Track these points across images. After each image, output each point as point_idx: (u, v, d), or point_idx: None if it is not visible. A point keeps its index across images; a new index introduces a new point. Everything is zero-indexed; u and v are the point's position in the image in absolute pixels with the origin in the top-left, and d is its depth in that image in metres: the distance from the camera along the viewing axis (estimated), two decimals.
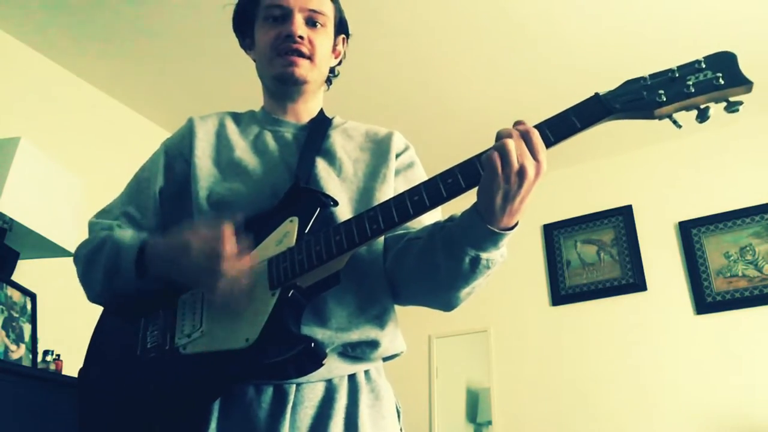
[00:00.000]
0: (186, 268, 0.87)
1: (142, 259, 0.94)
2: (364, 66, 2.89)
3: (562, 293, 3.49)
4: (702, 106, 0.75)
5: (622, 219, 3.47)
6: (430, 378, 3.64)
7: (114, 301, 1.02)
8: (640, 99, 0.76)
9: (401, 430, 0.99)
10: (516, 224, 0.82)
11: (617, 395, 3.10)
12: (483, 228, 0.81)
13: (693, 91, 0.74)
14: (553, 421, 3.21)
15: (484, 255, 0.84)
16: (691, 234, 3.24)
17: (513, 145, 0.75)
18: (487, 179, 0.77)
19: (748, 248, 3.08)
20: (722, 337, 2.98)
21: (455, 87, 3.10)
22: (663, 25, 2.64)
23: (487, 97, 3.13)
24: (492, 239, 0.82)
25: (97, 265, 1.00)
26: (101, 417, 0.93)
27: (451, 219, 0.90)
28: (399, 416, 1.00)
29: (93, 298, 1.05)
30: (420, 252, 0.93)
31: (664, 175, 3.46)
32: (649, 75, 0.78)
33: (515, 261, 3.72)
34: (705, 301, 3.08)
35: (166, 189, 1.10)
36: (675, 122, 0.77)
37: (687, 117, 0.77)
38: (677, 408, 2.94)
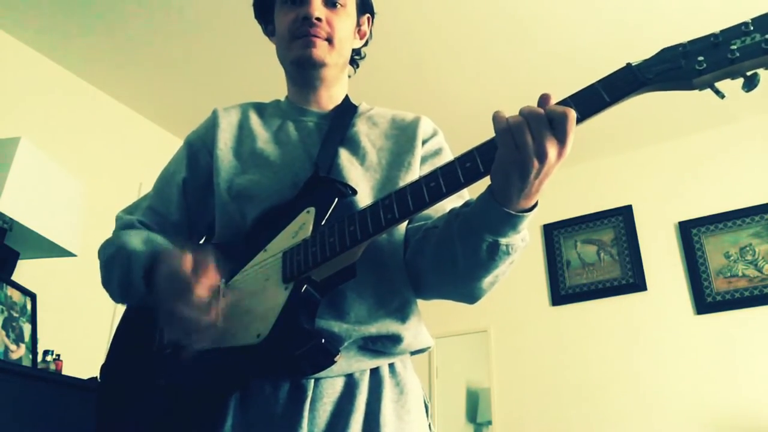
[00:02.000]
0: (161, 293, 0.85)
1: (151, 268, 0.91)
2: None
3: (562, 293, 3.49)
4: (749, 73, 0.67)
5: (622, 219, 3.47)
6: (430, 378, 3.64)
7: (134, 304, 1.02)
8: (677, 68, 0.69)
9: (430, 425, 0.95)
10: (535, 205, 0.78)
11: (617, 395, 3.10)
12: (499, 211, 0.76)
13: (738, 56, 0.65)
14: (553, 421, 3.21)
15: (503, 240, 0.79)
16: (691, 234, 3.24)
17: (531, 125, 0.70)
18: (503, 161, 0.72)
19: (748, 248, 3.08)
20: (722, 337, 2.98)
21: (451, 79, 3.09)
22: (662, 15, 2.63)
23: (483, 88, 3.13)
24: (510, 222, 0.77)
25: (113, 277, 0.99)
26: (119, 413, 0.93)
27: (467, 204, 0.86)
28: (427, 411, 0.96)
29: (116, 301, 1.04)
30: (437, 242, 0.89)
31: (664, 175, 3.46)
32: (688, 41, 0.70)
33: (515, 261, 3.71)
34: (705, 301, 3.08)
35: (191, 181, 1.08)
36: (717, 92, 0.68)
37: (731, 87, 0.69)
38: (677, 408, 2.94)
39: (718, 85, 0.69)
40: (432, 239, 0.91)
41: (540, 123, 0.70)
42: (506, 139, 0.71)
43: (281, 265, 0.87)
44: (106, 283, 1.03)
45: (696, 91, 0.71)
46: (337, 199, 0.91)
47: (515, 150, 0.71)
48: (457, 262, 0.85)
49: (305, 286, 0.83)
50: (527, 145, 0.70)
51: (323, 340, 0.78)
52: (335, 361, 0.80)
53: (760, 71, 0.66)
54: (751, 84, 0.67)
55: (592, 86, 0.71)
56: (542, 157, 0.70)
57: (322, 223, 0.89)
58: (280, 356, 0.81)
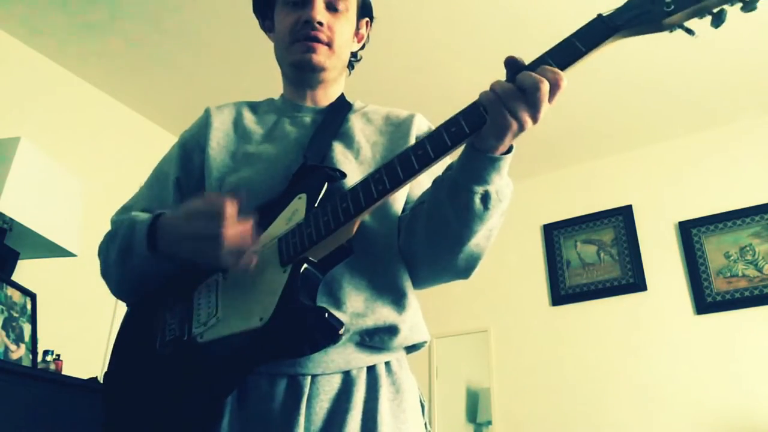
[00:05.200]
0: (188, 236, 0.85)
1: (154, 231, 0.92)
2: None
3: (562, 293, 3.49)
4: (715, 10, 0.70)
5: (622, 219, 3.47)
6: (430, 378, 3.64)
7: (132, 290, 1.01)
8: (646, 12, 0.72)
9: (426, 424, 0.95)
10: (511, 148, 0.81)
11: (617, 395, 3.10)
12: (483, 159, 0.79)
13: None
14: (553, 421, 3.21)
15: (491, 188, 0.82)
16: (691, 234, 3.24)
17: (521, 94, 0.74)
18: (495, 129, 0.76)
19: (748, 248, 3.08)
20: (722, 337, 2.98)
21: (453, 75, 3.09)
22: None
23: (483, 86, 3.12)
24: (494, 166, 0.80)
25: (113, 247, 0.99)
26: (125, 414, 0.92)
27: (449, 168, 0.88)
28: (423, 410, 0.96)
29: (114, 289, 1.04)
30: (428, 212, 0.91)
31: (664, 175, 3.46)
32: None
33: (515, 261, 3.74)
34: (705, 301, 3.08)
35: (184, 180, 1.08)
36: (688, 30, 0.72)
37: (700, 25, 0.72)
38: (677, 408, 2.94)
39: (688, 24, 0.72)
40: (422, 213, 0.93)
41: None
42: (499, 113, 0.75)
43: (277, 250, 0.87)
44: (104, 261, 1.02)
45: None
46: (327, 183, 0.92)
47: (511, 123, 0.75)
48: (450, 224, 0.87)
49: (305, 266, 0.83)
50: (519, 116, 0.75)
51: (327, 315, 0.78)
52: (341, 335, 0.79)
53: (727, 8, 0.69)
54: (718, 20, 0.70)
55: (567, 39, 0.75)
56: (536, 117, 0.75)
57: (315, 206, 0.89)
58: (284, 337, 0.80)
